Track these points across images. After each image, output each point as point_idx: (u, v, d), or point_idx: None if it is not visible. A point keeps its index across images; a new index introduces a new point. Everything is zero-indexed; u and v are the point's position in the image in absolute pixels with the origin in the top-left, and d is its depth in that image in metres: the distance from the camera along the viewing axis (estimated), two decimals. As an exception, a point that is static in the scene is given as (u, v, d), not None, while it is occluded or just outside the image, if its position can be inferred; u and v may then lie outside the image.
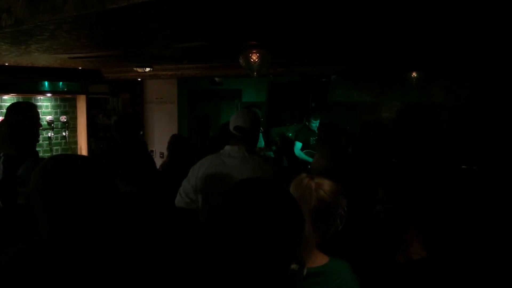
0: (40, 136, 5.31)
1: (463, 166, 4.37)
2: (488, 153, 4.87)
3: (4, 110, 3.33)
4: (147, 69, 4.92)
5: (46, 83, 5.74)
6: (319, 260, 1.55)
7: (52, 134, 5.86)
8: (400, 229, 1.73)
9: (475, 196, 2.67)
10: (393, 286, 1.68)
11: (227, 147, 2.60)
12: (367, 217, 2.07)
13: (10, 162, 2.73)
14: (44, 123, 5.62)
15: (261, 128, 4.70)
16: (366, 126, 4.08)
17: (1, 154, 2.83)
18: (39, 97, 5.77)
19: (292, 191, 1.58)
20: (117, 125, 4.17)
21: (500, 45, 3.15)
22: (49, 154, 5.40)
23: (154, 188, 2.33)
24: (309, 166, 4.61)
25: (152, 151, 6.61)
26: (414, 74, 4.90)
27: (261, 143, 5.46)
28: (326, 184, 1.59)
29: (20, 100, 5.38)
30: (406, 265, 1.69)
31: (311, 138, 5.77)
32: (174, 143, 4.30)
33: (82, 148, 6.21)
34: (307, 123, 6.02)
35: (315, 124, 5.82)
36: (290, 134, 6.60)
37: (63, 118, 6.01)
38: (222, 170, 2.46)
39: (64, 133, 6.05)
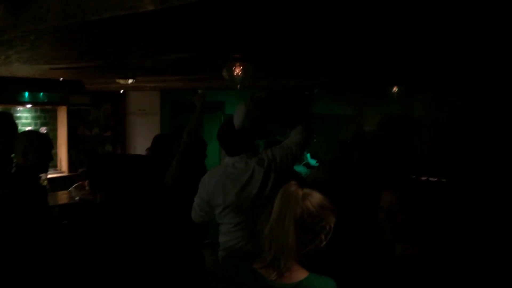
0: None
1: (443, 180, 4.43)
2: (470, 165, 4.95)
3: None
4: (130, 81, 4.89)
5: (26, 93, 5.65)
6: (294, 275, 1.50)
7: (32, 145, 5.75)
8: (403, 229, 1.77)
9: (454, 209, 2.72)
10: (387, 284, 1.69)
11: (227, 159, 2.74)
12: (366, 220, 2.10)
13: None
14: (23, 134, 5.52)
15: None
16: (360, 136, 4.16)
17: (13, 164, 2.78)
18: (18, 108, 5.68)
19: (278, 198, 1.56)
20: (153, 144, 4.13)
21: (482, 60, 3.23)
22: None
23: (130, 198, 2.33)
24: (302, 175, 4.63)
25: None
26: (395, 88, 4.98)
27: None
28: (315, 196, 1.57)
29: (-1, 110, 5.29)
30: (396, 261, 1.74)
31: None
32: (158, 143, 4.13)
33: (62, 160, 6.11)
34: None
35: None
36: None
37: (43, 130, 5.91)
38: (231, 180, 2.63)
39: (44, 145, 5.94)
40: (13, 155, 2.85)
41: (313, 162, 7.00)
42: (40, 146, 2.77)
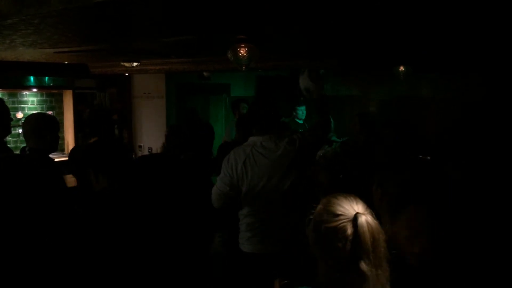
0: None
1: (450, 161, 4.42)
2: (477, 148, 4.93)
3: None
4: (135, 64, 4.87)
5: (32, 78, 5.66)
6: None
7: (39, 129, 5.78)
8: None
9: (462, 191, 2.70)
10: None
11: (254, 138, 2.73)
12: None
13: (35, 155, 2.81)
14: (30, 118, 5.55)
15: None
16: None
17: (27, 148, 2.88)
18: (24, 92, 5.70)
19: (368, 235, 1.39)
20: (90, 121, 4.12)
21: (489, 41, 3.18)
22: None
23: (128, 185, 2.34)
24: None
25: (140, 146, 6.57)
26: (402, 68, 4.93)
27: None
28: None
29: (5, 95, 5.31)
30: None
31: (300, 131, 5.82)
32: (171, 134, 4.14)
33: (69, 144, 6.15)
34: (294, 113, 6.11)
35: (300, 111, 5.90)
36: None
37: (49, 114, 5.94)
38: (261, 159, 2.65)
39: (50, 129, 5.97)
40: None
41: None
42: None
